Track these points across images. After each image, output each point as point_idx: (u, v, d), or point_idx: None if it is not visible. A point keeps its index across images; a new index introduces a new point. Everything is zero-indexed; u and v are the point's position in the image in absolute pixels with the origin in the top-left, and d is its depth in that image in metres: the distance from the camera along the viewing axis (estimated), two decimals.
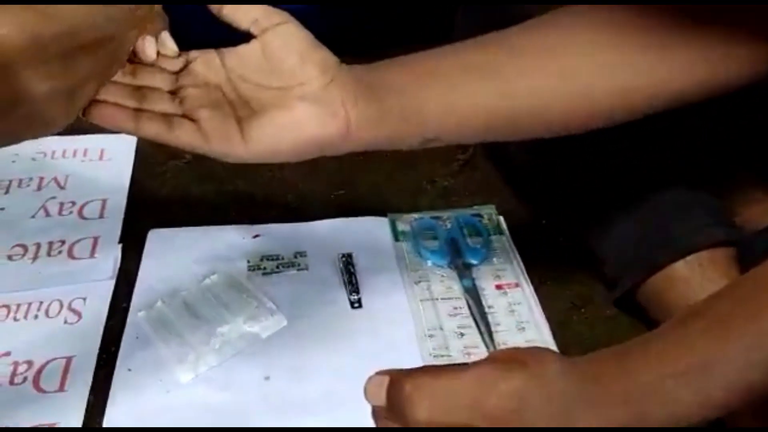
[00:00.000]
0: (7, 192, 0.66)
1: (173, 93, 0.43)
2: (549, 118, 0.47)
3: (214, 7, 0.43)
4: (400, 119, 0.44)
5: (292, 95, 0.42)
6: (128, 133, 0.41)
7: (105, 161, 0.69)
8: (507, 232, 0.63)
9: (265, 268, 0.59)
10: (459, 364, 0.38)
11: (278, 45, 0.43)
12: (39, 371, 0.51)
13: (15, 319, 0.54)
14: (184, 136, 0.41)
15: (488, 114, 0.46)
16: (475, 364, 0.37)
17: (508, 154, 0.66)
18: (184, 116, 0.42)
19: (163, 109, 0.42)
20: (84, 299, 0.56)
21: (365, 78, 0.45)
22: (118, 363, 0.51)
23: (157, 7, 0.39)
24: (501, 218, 0.64)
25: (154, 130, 0.41)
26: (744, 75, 0.46)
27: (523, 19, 0.48)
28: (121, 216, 0.64)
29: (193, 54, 0.44)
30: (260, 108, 0.43)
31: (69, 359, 0.51)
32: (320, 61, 0.43)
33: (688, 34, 0.46)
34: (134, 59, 0.41)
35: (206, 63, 0.43)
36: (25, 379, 0.50)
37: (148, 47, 0.41)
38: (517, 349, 0.38)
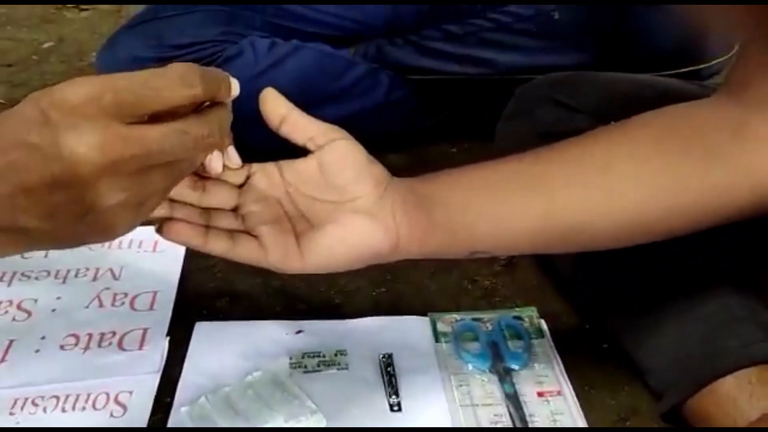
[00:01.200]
0: (64, 281, 0.68)
1: (235, 209, 0.45)
2: (600, 236, 0.47)
3: (273, 124, 0.45)
4: (447, 233, 0.45)
5: (346, 209, 0.44)
6: (197, 248, 0.44)
7: (158, 253, 0.72)
8: (549, 335, 0.62)
9: (306, 366, 0.60)
10: None
11: (334, 161, 0.45)
12: None
13: (63, 410, 0.56)
14: (245, 252, 0.44)
15: (535, 231, 0.46)
16: None
17: (551, 256, 0.67)
18: (246, 231, 0.44)
19: (227, 226, 0.44)
20: (130, 392, 0.57)
21: (415, 191, 0.46)
22: None
23: (225, 127, 0.41)
24: (542, 321, 0.64)
25: (220, 247, 0.44)
26: None
27: (563, 132, 0.49)
28: (170, 308, 0.65)
29: (255, 167, 0.46)
30: (316, 222, 0.45)
31: None
32: (374, 177, 0.45)
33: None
34: (201, 173, 0.44)
35: (266, 176, 0.46)
36: None
37: (215, 163, 0.43)
38: None
